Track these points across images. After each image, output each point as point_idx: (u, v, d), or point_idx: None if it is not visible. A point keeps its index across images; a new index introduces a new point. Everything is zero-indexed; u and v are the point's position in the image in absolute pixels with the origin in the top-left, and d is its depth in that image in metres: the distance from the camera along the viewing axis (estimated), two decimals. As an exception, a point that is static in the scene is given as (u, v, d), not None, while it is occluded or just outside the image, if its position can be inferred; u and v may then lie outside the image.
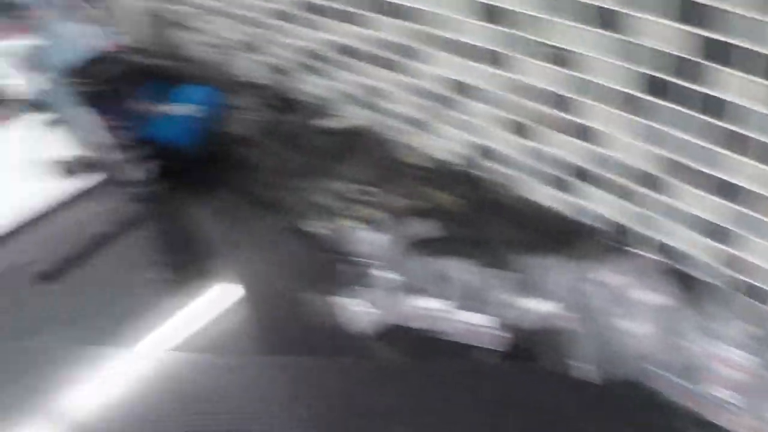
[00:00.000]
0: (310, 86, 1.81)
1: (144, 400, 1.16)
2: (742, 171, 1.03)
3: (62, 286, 1.44)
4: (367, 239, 1.35)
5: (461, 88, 1.38)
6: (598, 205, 1.27)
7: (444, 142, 1.51)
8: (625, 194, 1.21)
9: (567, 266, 1.19)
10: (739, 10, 0.90)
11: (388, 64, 1.51)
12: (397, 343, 1.16)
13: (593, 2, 1.04)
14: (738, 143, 1.01)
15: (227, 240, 1.47)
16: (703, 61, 0.97)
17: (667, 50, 1.00)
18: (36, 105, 2.03)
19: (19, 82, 2.83)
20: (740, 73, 0.94)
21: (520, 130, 1.32)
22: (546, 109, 1.24)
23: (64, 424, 1.16)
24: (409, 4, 1.36)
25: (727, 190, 1.06)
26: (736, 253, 1.12)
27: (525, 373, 1.07)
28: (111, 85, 1.47)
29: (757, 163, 1.00)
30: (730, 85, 0.96)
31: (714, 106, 1.00)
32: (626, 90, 1.09)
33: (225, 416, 1.10)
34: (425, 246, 1.31)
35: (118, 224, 1.54)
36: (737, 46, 0.92)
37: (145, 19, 2.15)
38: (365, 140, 1.66)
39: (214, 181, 1.64)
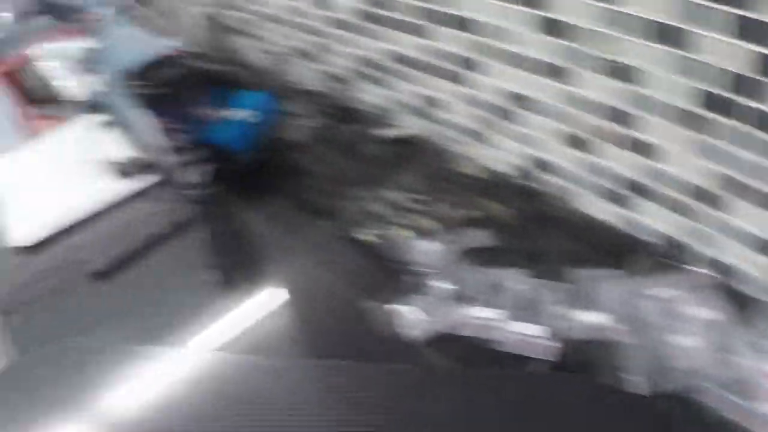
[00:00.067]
0: (367, 95, 1.84)
1: (191, 399, 1.17)
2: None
3: (115, 285, 1.49)
4: (421, 248, 1.37)
5: (519, 99, 1.40)
6: (651, 220, 1.28)
7: (500, 154, 1.52)
8: (678, 209, 1.22)
9: (619, 279, 1.20)
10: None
11: (445, 75, 1.54)
12: (448, 351, 1.18)
13: (653, 17, 1.06)
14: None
15: (279, 245, 1.50)
16: (761, 78, 0.98)
17: (726, 66, 1.01)
18: (92, 107, 2.08)
19: (76, 84, 2.90)
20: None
21: (576, 143, 1.33)
22: (603, 123, 1.25)
23: (112, 420, 1.19)
24: (468, 16, 1.38)
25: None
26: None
27: (575, 384, 1.08)
28: (168, 89, 1.50)
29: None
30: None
31: (770, 123, 1.02)
32: (684, 105, 1.10)
33: (272, 418, 1.11)
34: (479, 256, 1.32)
35: (171, 226, 1.58)
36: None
37: (203, 24, 2.19)
38: (421, 150, 1.68)
39: (268, 186, 1.67)
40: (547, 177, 1.45)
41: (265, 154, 1.73)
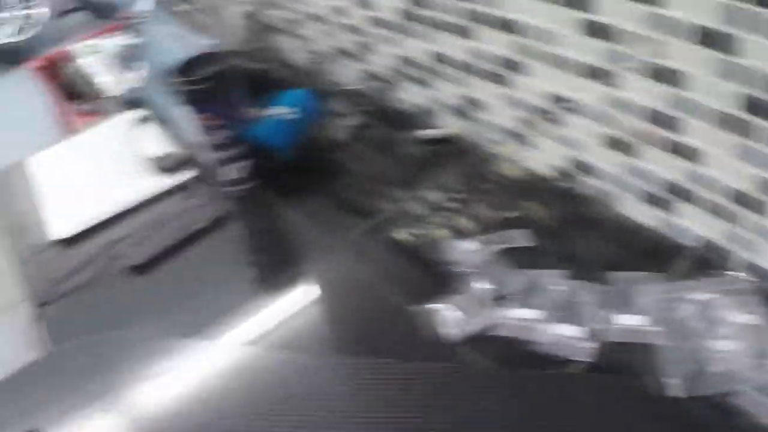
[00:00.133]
0: (408, 95, 1.86)
1: (224, 394, 1.21)
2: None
3: (151, 280, 1.52)
4: (460, 248, 1.39)
5: (560, 101, 1.41)
6: (690, 223, 1.30)
7: (540, 155, 1.54)
8: (718, 213, 1.23)
9: (657, 282, 1.21)
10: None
11: (487, 75, 1.56)
12: (485, 351, 1.19)
13: (697, 21, 1.08)
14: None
15: (317, 243, 1.52)
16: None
17: (769, 70, 1.03)
18: (131, 103, 2.12)
19: (115, 80, 2.94)
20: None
21: (617, 145, 1.35)
22: (644, 125, 1.27)
23: (144, 412, 1.22)
24: (511, 17, 1.40)
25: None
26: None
27: (612, 386, 1.10)
28: (208, 86, 1.52)
29: None
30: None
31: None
32: (726, 108, 1.12)
33: (307, 414, 1.14)
34: (517, 256, 1.35)
35: (209, 221, 1.61)
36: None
37: (245, 22, 2.21)
38: (461, 150, 1.70)
39: (306, 184, 1.70)
40: (587, 179, 1.46)
41: (305, 152, 1.75)
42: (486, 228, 1.44)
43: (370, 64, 1.94)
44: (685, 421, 1.04)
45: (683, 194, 1.28)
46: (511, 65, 1.48)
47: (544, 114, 1.47)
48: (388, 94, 1.93)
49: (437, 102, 1.77)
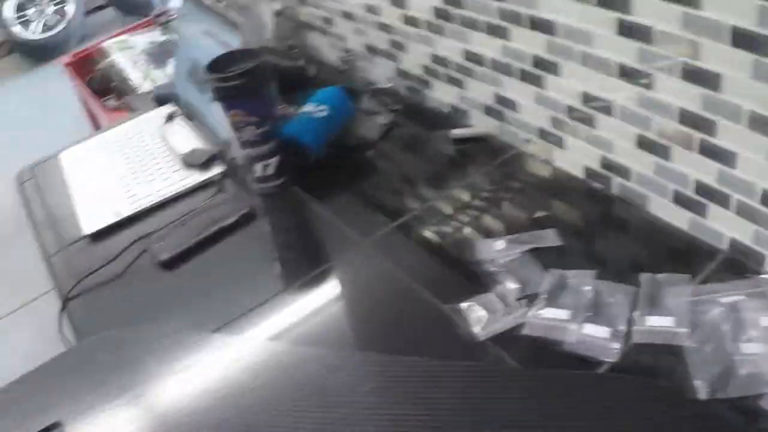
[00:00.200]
0: (439, 93, 1.88)
1: (249, 389, 1.22)
2: None
3: (179, 274, 1.54)
4: (488, 247, 1.41)
5: (592, 101, 1.43)
6: (720, 225, 1.30)
7: (571, 155, 1.55)
8: (748, 214, 1.24)
9: (686, 284, 1.22)
10: None
11: (519, 75, 1.57)
12: (510, 350, 1.20)
13: (731, 22, 1.09)
14: None
15: (345, 240, 1.54)
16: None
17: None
18: (162, 98, 2.15)
19: (146, 76, 2.98)
20: None
21: (648, 145, 1.36)
22: (676, 126, 1.28)
23: (168, 406, 1.24)
24: (543, 16, 1.42)
25: None
26: None
27: (638, 387, 1.10)
28: (239, 83, 1.54)
29: None
30: None
31: None
32: (760, 111, 1.12)
33: (332, 410, 1.15)
34: (546, 256, 1.36)
35: (237, 217, 1.63)
36: None
37: (277, 19, 2.23)
38: (491, 149, 1.71)
39: (335, 181, 1.72)
40: (617, 179, 1.47)
41: (335, 149, 1.77)
42: (515, 227, 1.45)
43: (402, 63, 1.96)
44: (712, 423, 1.04)
45: (714, 196, 1.28)
46: (544, 64, 1.49)
47: (576, 114, 1.48)
48: (420, 93, 1.94)
49: (468, 101, 1.78)
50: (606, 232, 1.44)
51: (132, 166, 1.91)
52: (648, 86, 1.29)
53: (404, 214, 1.57)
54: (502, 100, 1.66)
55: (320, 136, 1.73)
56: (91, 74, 3.63)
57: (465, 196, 1.58)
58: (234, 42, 1.73)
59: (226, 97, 1.57)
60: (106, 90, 3.52)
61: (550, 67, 1.48)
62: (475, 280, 1.35)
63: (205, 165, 1.82)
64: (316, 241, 1.62)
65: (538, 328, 1.22)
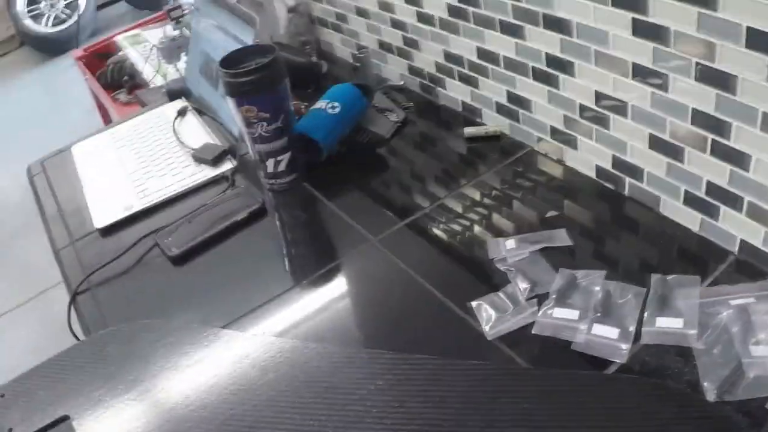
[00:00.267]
0: (452, 91, 1.89)
1: (258, 384, 1.23)
2: None
3: (189, 269, 1.55)
4: (499, 246, 1.41)
5: (606, 101, 1.43)
6: (731, 227, 1.30)
7: (584, 155, 1.56)
8: (759, 217, 1.24)
9: (696, 285, 1.22)
10: None
11: (532, 74, 1.58)
12: (521, 350, 1.21)
13: (746, 24, 1.09)
14: None
15: (355, 236, 1.54)
16: None
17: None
18: (174, 93, 2.16)
19: (158, 71, 2.99)
20: None
21: (661, 146, 1.36)
22: (689, 127, 1.28)
23: (177, 400, 1.25)
24: (558, 15, 1.43)
25: None
26: None
27: (647, 388, 1.10)
28: (252, 78, 1.55)
29: None
30: None
31: None
32: None
33: (342, 406, 1.16)
34: (557, 256, 1.36)
35: (248, 213, 1.64)
36: None
37: (290, 15, 2.24)
38: (504, 148, 1.72)
39: (347, 178, 1.73)
40: (630, 180, 1.47)
41: (347, 146, 1.78)
42: (525, 227, 1.46)
43: (416, 61, 1.96)
44: (721, 425, 1.04)
45: (725, 197, 1.29)
46: (558, 64, 1.50)
47: (589, 113, 1.48)
48: (433, 91, 1.95)
49: (481, 99, 1.79)
50: (617, 233, 1.45)
51: (143, 161, 1.92)
52: (662, 87, 1.29)
53: (415, 212, 1.58)
54: (515, 99, 1.67)
55: (332, 133, 1.74)
56: (103, 68, 3.64)
57: (476, 195, 1.59)
58: (247, 37, 1.74)
59: (239, 93, 1.58)
60: (117, 84, 3.53)
61: (564, 67, 1.48)
62: (485, 279, 1.36)
63: (217, 160, 1.82)
64: (326, 238, 1.62)
65: (547, 328, 1.23)
